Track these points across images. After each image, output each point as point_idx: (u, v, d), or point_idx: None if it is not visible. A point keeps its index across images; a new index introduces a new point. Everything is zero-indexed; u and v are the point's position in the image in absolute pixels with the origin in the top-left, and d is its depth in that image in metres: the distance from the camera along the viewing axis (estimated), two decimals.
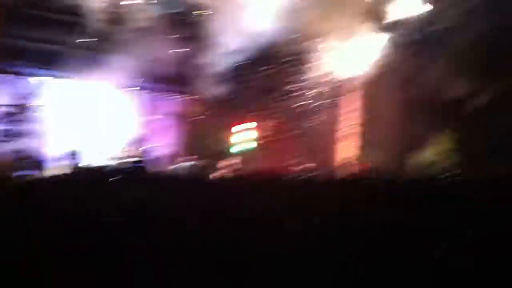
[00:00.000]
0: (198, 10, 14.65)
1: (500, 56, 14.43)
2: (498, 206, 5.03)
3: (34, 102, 14.03)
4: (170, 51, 15.01)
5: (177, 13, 14.51)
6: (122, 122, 16.14)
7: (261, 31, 14.49)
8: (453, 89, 15.52)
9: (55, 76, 14.69)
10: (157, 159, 14.55)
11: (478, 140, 14.38)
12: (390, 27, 16.01)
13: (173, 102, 17.44)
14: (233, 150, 16.27)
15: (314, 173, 11.72)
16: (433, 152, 15.40)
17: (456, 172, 13.03)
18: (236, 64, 15.16)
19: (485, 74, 15.21)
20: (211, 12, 14.10)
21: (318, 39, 16.45)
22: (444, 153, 15.23)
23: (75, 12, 13.34)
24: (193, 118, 16.98)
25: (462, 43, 15.20)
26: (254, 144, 16.88)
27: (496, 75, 15.16)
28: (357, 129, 17.06)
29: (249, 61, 15.34)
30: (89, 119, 15.46)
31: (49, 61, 14.77)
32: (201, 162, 13.11)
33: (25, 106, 13.49)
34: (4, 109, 13.47)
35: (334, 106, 17.11)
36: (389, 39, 15.89)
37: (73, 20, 13.64)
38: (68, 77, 15.23)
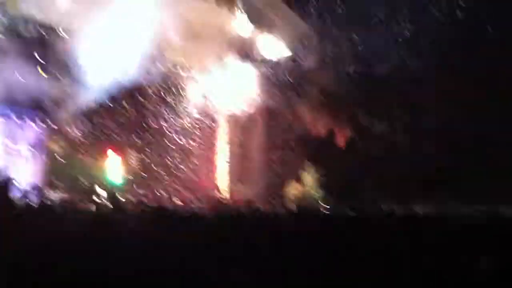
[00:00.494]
0: (60, 35, 14.05)
1: (361, 96, 15.56)
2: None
3: None
4: (31, 76, 14.23)
5: (37, 36, 13.84)
6: None
7: (130, 63, 14.30)
8: (316, 127, 16.38)
9: None
10: (20, 191, 13.60)
11: (339, 175, 15.24)
12: (261, 64, 16.55)
13: (36, 132, 16.43)
14: (100, 183, 15.61)
15: (184, 207, 11.58)
16: (299, 187, 16.01)
17: (320, 206, 13.61)
18: (104, 95, 14.72)
19: (345, 113, 16.26)
20: (76, 39, 13.63)
21: (189, 74, 16.54)
22: (309, 188, 15.90)
23: None
24: (57, 149, 16.10)
25: (324, 84, 16.18)
26: (122, 178, 16.34)
27: (355, 114, 16.25)
28: (227, 164, 17.27)
29: (117, 93, 14.96)
30: None
31: None
32: (66, 196, 12.40)
33: None
34: None
35: (204, 140, 17.18)
36: (259, 76, 16.40)
37: None
38: None
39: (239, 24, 16.37)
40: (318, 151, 16.21)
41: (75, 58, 13.54)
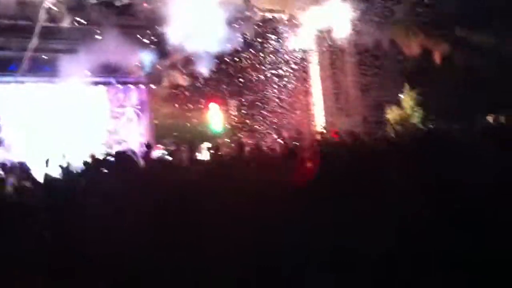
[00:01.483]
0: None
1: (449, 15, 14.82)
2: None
3: None
4: (125, 42, 14.80)
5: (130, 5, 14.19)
6: (90, 119, 16.01)
7: (223, 16, 14.46)
8: (410, 47, 15.91)
9: (13, 81, 14.40)
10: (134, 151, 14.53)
11: (439, 94, 14.81)
12: None
13: (136, 93, 17.35)
14: (205, 133, 16.28)
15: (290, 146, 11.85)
16: (399, 111, 15.80)
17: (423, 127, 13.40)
18: (195, 47, 14.97)
19: (440, 29, 15.62)
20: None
21: (279, 17, 16.52)
22: (410, 111, 15.64)
23: (24, 16, 13.10)
24: (159, 106, 16.92)
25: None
26: (223, 125, 16.96)
27: (450, 28, 15.57)
28: (323, 98, 17.36)
29: (209, 42, 15.13)
30: (56, 120, 15.28)
31: (5, 66, 14.49)
32: (177, 149, 13.08)
33: None
34: None
35: (297, 77, 17.31)
36: (344, 8, 16.00)
37: (23, 24, 13.37)
38: (25, 81, 14.97)
39: None
40: (416, 72, 15.79)
41: (169, 22, 13.75)
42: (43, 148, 14.05)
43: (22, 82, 14.88)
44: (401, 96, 15.92)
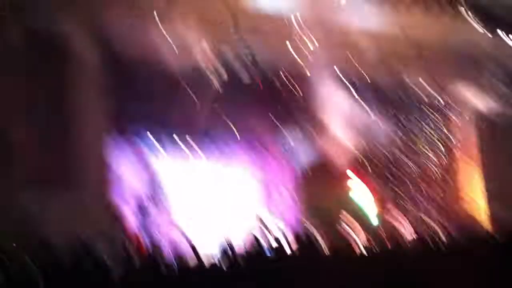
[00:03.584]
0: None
1: None
2: None
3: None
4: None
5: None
6: (245, 195, 16.62)
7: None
8: None
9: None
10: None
11: None
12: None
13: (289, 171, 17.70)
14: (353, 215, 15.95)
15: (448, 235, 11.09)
16: None
17: None
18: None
19: None
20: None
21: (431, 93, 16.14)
22: None
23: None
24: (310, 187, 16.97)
25: None
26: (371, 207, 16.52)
27: None
28: (481, 184, 16.31)
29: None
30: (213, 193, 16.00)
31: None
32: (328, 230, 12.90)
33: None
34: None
35: (455, 159, 16.53)
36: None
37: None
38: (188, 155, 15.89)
39: (469, 28, 15.27)
40: None
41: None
42: (199, 218, 14.81)
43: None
44: None
